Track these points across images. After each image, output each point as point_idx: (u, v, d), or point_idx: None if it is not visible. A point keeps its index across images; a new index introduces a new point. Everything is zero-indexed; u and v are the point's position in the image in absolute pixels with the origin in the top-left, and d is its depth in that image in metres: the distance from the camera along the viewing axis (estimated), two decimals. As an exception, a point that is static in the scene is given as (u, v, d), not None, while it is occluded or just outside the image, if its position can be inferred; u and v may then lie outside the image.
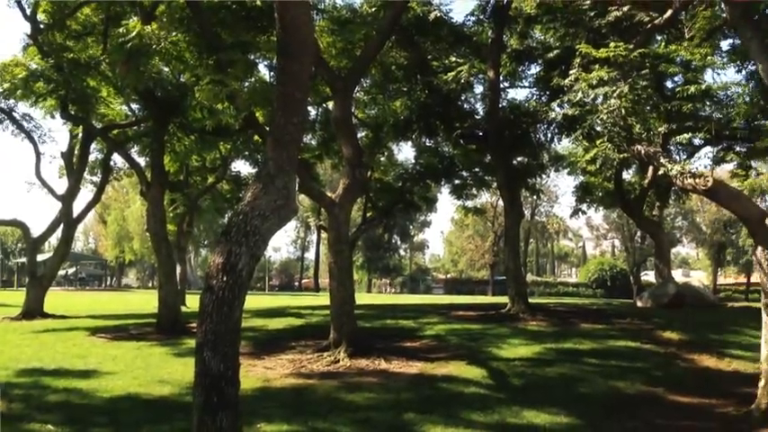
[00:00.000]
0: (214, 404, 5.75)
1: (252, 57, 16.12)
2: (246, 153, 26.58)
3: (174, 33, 14.59)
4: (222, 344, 5.90)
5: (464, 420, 8.80)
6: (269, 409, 9.18)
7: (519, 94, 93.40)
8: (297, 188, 15.65)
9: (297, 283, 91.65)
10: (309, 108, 22.86)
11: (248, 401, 9.10)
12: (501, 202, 27.32)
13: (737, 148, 24.54)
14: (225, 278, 6.01)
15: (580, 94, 12.11)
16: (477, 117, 22.69)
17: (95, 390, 10.53)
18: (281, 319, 19.59)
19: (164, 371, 12.13)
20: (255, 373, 11.85)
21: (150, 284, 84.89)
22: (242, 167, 39.80)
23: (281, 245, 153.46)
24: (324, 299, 17.24)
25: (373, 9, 17.65)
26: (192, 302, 25.72)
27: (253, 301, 30.87)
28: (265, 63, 19.39)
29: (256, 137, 20.81)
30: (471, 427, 8.57)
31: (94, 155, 27.35)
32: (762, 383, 9.16)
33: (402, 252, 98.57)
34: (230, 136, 22.05)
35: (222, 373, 5.84)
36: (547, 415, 9.07)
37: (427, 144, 25.40)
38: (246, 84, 14.47)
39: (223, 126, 17.98)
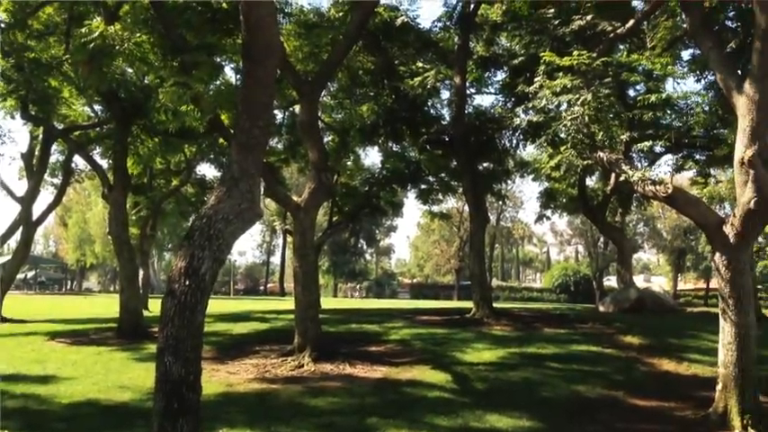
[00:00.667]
0: (175, 410, 5.70)
1: (218, 59, 16.00)
2: (212, 156, 26.37)
3: (137, 34, 14.40)
4: (184, 349, 5.84)
5: (428, 424, 8.83)
6: (231, 415, 9.10)
7: (485, 100, 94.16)
8: (262, 192, 15.64)
9: (262, 288, 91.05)
10: (276, 111, 22.79)
11: (210, 407, 9.02)
12: (467, 208, 27.50)
13: (697, 157, 25.06)
14: (187, 282, 5.96)
15: (544, 101, 12.23)
16: (444, 122, 22.80)
17: (54, 395, 10.33)
18: (246, 323, 19.43)
19: (124, 376, 11.96)
20: (218, 378, 11.75)
21: (112, 288, 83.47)
22: (207, 171, 39.49)
23: (247, 249, 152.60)
24: (289, 303, 17.16)
25: (340, 13, 17.64)
26: (155, 307, 25.36)
27: (217, 305, 30.67)
28: (231, 66, 19.26)
29: (221, 140, 20.65)
30: (435, 431, 8.60)
31: (55, 156, 26.96)
32: (719, 387, 9.36)
33: (368, 256, 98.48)
34: (195, 139, 21.86)
35: (183, 378, 5.79)
36: (509, 419, 9.14)
37: (393, 149, 25.48)
38: (212, 86, 14.32)
39: (187, 129, 17.81)
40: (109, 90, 17.86)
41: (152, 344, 13.15)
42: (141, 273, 27.84)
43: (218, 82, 15.89)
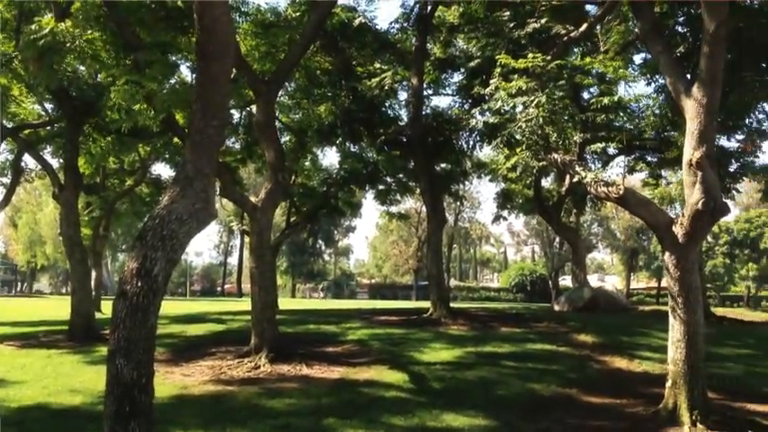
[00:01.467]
0: (126, 413, 5.61)
1: (172, 57, 15.77)
2: (167, 156, 25.94)
3: (89, 31, 14.12)
4: (136, 351, 5.75)
5: (384, 424, 8.84)
6: (186, 417, 8.99)
7: (442, 101, 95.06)
8: (218, 192, 15.49)
9: (219, 289, 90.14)
10: (233, 111, 22.58)
11: (164, 409, 8.90)
12: (425, 208, 27.73)
13: (648, 158, 25.67)
14: (139, 283, 5.87)
15: (500, 103, 12.34)
16: (401, 123, 22.89)
17: (2, 400, 10.08)
18: (201, 324, 19.22)
19: (75, 380, 11.72)
20: (173, 381, 11.59)
21: (64, 290, 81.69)
22: (162, 170, 38.88)
23: (204, 249, 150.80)
24: (246, 304, 17.03)
25: (297, 13, 17.56)
26: (108, 308, 24.86)
27: (173, 306, 30.32)
28: (187, 65, 19.02)
29: (176, 139, 20.36)
30: (391, 431, 8.62)
31: (4, 155, 26.20)
32: (669, 383, 9.57)
33: (326, 257, 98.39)
34: (149, 138, 21.49)
35: (135, 381, 5.70)
36: (465, 418, 9.22)
37: (351, 149, 25.44)
38: (166, 85, 14.11)
39: (141, 128, 17.49)
40: (60, 88, 17.48)
41: (104, 346, 12.83)
42: (94, 274, 27.33)
43: (173, 80, 15.65)
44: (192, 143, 6.77)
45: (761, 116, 20.00)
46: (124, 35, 13.81)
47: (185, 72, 19.74)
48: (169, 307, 27.21)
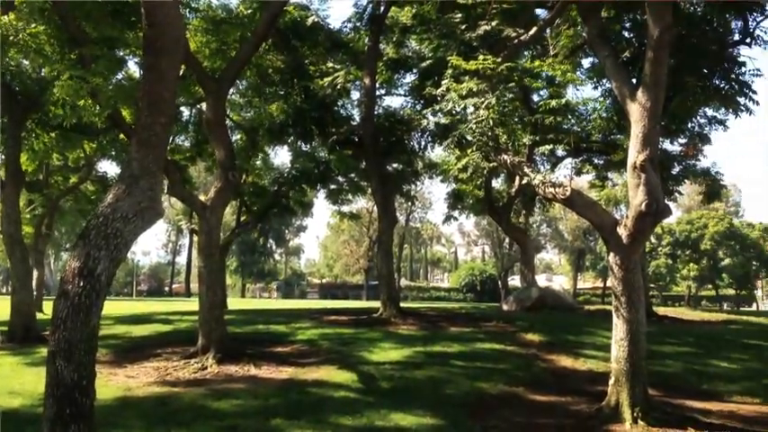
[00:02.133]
0: (67, 416, 5.48)
1: (120, 53, 15.45)
2: (113, 153, 25.37)
3: (33, 25, 13.73)
4: (77, 352, 5.62)
5: (332, 425, 8.82)
6: (129, 420, 8.82)
7: (394, 101, 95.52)
8: (165, 190, 15.23)
9: (167, 288, 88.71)
10: (183, 108, 22.25)
11: (107, 412, 8.73)
12: (376, 208, 27.84)
13: (595, 161, 26.21)
14: (81, 283, 5.74)
15: (451, 104, 12.42)
16: (353, 123, 22.87)
17: (-64, 404, 9.72)
18: (147, 325, 18.87)
19: (14, 381, 11.38)
20: (116, 383, 11.35)
21: (4, 290, 79.23)
22: (108, 168, 37.98)
23: (151, 248, 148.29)
24: (195, 304, 16.79)
25: (249, 11, 17.40)
26: (50, 309, 24.27)
27: (118, 306, 29.72)
28: (135, 60, 18.65)
29: (122, 136, 19.94)
30: (339, 431, 8.60)
31: (-58, 151, 25.26)
32: (612, 381, 9.77)
33: (277, 257, 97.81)
34: (95, 134, 20.99)
35: (76, 382, 5.57)
36: (413, 417, 9.25)
37: (303, 148, 25.35)
38: (113, 80, 13.80)
39: (86, 124, 17.09)
40: (2, 82, 16.94)
41: (45, 347, 12.48)
42: (36, 273, 26.59)
43: (119, 76, 15.32)
44: (139, 140, 6.64)
45: (702, 121, 20.58)
46: (69, 29, 13.47)
47: (133, 68, 19.33)
48: (114, 307, 26.69)
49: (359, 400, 10.36)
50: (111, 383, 11.18)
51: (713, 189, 25.61)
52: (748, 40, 14.23)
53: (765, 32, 14.34)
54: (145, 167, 6.45)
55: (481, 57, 12.29)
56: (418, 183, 31.96)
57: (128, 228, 6.17)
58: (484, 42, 16.27)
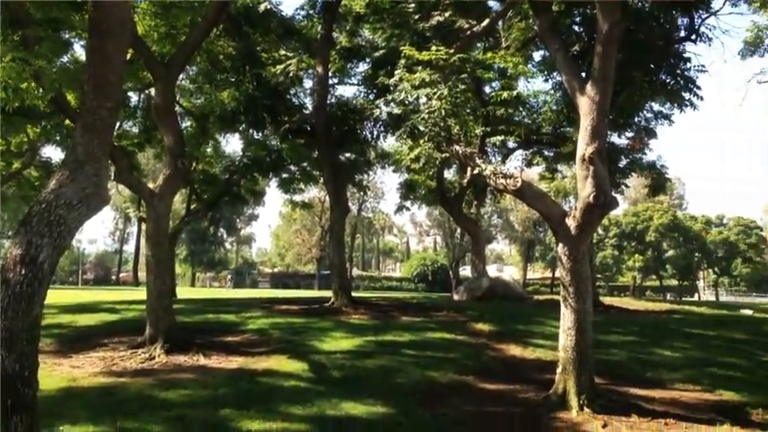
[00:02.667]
0: (8, 407, 5.34)
1: (66, 35, 15.02)
2: (58, 138, 24.70)
3: (-28, 5, 13.22)
4: (19, 342, 5.49)
5: (282, 414, 8.78)
6: (74, 410, 8.63)
7: (347, 90, 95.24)
8: (112, 177, 14.90)
9: (114, 277, 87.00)
10: (131, 94, 21.78)
11: (51, 402, 8.54)
12: (328, 197, 27.79)
13: (545, 153, 26.62)
14: (23, 271, 5.60)
15: (404, 94, 12.45)
16: (306, 112, 22.72)
17: None
18: (93, 314, 18.45)
19: (-47, 373, 11.02)
20: (61, 372, 11.10)
21: (-57, 279, 76.62)
22: (53, 153, 37.04)
23: (98, 236, 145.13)
24: (143, 293, 16.49)
25: (200, -5, 17.10)
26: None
27: (63, 295, 29.01)
28: (81, 43, 18.15)
29: (68, 121, 19.43)
30: (289, 420, 8.57)
31: None
32: (559, 370, 9.97)
33: (228, 245, 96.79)
34: (39, 119, 20.39)
35: (18, 373, 5.44)
36: (364, 406, 9.28)
37: (255, 137, 25.11)
38: (57, 63, 13.40)
39: (29, 107, 16.58)
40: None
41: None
42: (-24, 261, 25.77)
43: (64, 59, 14.88)
44: (84, 125, 6.49)
45: (648, 115, 21.13)
46: (11, 10, 13.01)
47: (79, 51, 18.80)
48: (59, 296, 26.02)
49: (309, 390, 10.34)
50: (56, 374, 10.93)
51: (658, 182, 26.33)
52: (693, 37, 14.66)
53: (710, 29, 14.82)
54: (90, 153, 6.31)
55: (434, 47, 12.34)
56: (371, 172, 32.04)
57: (72, 215, 6.03)
58: (437, 33, 16.38)
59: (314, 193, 58.81)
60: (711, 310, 25.67)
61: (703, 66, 14.34)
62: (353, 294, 22.24)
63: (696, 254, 75.07)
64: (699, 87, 14.21)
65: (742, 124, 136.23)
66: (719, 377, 12.03)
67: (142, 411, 8.69)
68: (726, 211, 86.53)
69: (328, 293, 23.26)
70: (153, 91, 17.34)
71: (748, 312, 25.32)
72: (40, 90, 13.71)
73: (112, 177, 15.17)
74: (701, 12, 14.74)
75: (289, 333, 15.12)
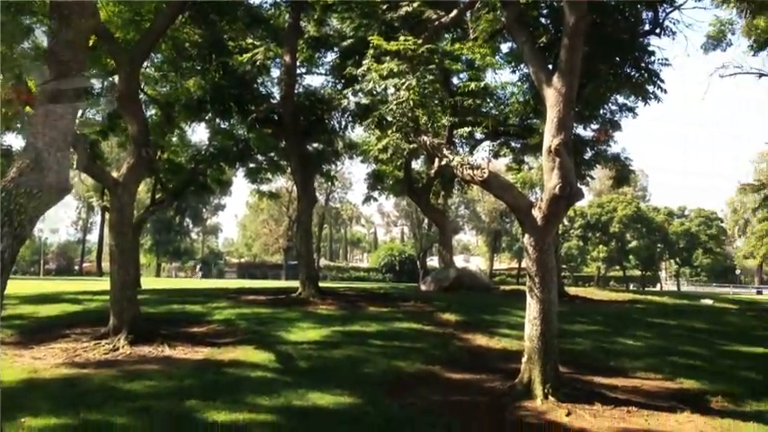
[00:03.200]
0: (-34, 400, 5.24)
1: (27, 20, 14.70)
2: (18, 125, 24.14)
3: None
4: (-23, 333, 5.38)
5: (249, 405, 8.73)
6: (36, 402, 8.48)
7: (315, 80, 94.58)
8: (75, 165, 14.64)
9: (77, 267, 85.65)
10: (94, 80, 21.36)
11: (12, 394, 8.43)
12: (296, 187, 27.64)
13: (512, 144, 26.80)
14: (-18, 261, 5.47)
15: (372, 84, 12.43)
16: (273, 101, 22.54)
17: None
18: (55, 305, 18.15)
19: None
20: (21, 364, 10.90)
21: None
22: (13, 141, 36.23)
23: (61, 226, 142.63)
24: (106, 283, 16.26)
25: (165, -19, 16.83)
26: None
27: (24, 285, 28.50)
28: (43, 29, 17.76)
29: (28, 108, 19.01)
30: (256, 411, 8.53)
31: None
32: (525, 359, 10.07)
33: (194, 235, 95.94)
34: (-1, 106, 19.92)
35: (-24, 365, 5.33)
36: (331, 396, 9.28)
37: (222, 126, 24.87)
38: (17, 49, 13.12)
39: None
40: None
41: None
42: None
43: (25, 44, 14.56)
44: (45, 112, 6.36)
45: (613, 107, 21.37)
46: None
47: (40, 36, 18.42)
48: (20, 286, 25.56)
49: (276, 380, 10.31)
50: (17, 365, 10.74)
51: (622, 174, 26.70)
52: (658, 31, 14.86)
53: (674, 23, 15.02)
54: (51, 141, 6.19)
55: (402, 38, 12.34)
56: (338, 163, 31.95)
57: (32, 204, 5.92)
58: (405, 23, 16.36)
59: (281, 182, 58.54)
60: (673, 300, 26.15)
61: (667, 59, 14.55)
62: (321, 285, 22.19)
63: (658, 245, 76.52)
64: (663, 80, 14.40)
65: (704, 118, 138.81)
66: (680, 366, 12.27)
67: (106, 403, 8.58)
68: (688, 203, 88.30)
69: (295, 284, 23.20)
70: (116, 78, 17.06)
71: (709, 302, 25.84)
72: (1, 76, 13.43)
73: (74, 166, 14.90)
74: (665, 5, 14.93)
75: (255, 323, 15.04)
